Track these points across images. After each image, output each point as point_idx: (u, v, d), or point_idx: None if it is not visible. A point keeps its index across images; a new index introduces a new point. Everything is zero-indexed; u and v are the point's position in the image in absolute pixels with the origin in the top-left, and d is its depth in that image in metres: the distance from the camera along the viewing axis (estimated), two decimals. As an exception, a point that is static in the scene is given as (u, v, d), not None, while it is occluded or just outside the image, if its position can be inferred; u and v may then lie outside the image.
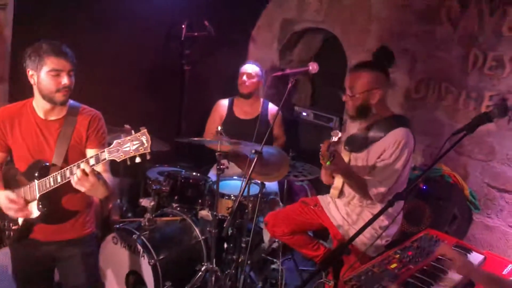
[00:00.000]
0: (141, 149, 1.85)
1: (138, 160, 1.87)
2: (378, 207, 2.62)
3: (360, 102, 2.62)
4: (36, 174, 2.13)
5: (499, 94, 3.18)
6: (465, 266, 1.98)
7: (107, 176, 2.22)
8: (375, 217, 1.74)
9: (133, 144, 1.86)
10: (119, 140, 1.88)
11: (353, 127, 2.85)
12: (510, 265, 2.28)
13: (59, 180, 2.06)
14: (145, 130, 1.86)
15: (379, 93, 2.61)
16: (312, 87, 4.98)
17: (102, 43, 3.53)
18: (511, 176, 3.19)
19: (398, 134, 2.56)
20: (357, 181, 2.61)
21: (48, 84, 2.12)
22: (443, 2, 3.42)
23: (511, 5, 3.06)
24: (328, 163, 2.37)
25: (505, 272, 2.22)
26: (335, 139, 2.33)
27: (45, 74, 2.11)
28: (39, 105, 2.22)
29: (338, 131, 2.35)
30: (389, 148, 2.55)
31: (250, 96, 3.96)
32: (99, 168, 2.04)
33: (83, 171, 1.93)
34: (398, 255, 2.21)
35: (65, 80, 2.12)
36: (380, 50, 2.75)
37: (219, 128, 3.08)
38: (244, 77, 3.91)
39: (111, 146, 1.90)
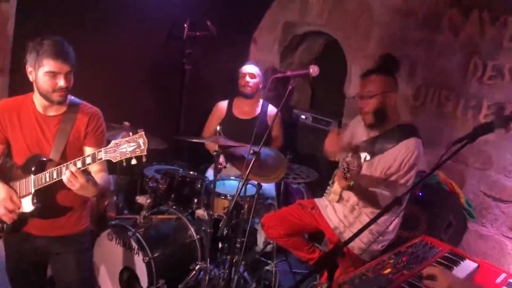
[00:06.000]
0: (137, 151, 1.86)
1: (134, 162, 1.89)
2: (376, 211, 2.63)
3: (378, 104, 2.61)
4: (33, 169, 2.13)
5: (498, 103, 3.19)
6: (455, 283, 1.98)
7: (102, 175, 2.23)
8: (372, 221, 1.75)
9: (130, 146, 1.87)
10: (116, 141, 1.89)
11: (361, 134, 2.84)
12: (503, 274, 2.28)
13: (55, 176, 2.06)
14: (143, 132, 1.88)
15: (394, 97, 2.64)
16: (312, 90, 4.99)
17: (104, 39, 3.53)
18: (507, 185, 3.20)
19: (411, 144, 2.57)
20: (366, 192, 2.60)
21: (45, 84, 2.12)
22: (445, 10, 3.44)
23: (512, 15, 3.08)
24: (352, 183, 2.36)
25: (498, 281, 2.22)
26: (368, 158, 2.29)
27: (42, 74, 2.10)
28: (38, 100, 2.22)
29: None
30: (401, 158, 2.56)
31: (253, 96, 3.97)
32: (95, 166, 2.04)
33: (71, 172, 1.95)
34: (392, 260, 2.21)
35: (61, 82, 2.11)
36: (388, 57, 2.76)
37: (218, 127, 3.08)
38: (247, 78, 3.92)
39: (108, 146, 1.91)
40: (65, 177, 1.97)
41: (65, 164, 2.03)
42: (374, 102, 2.61)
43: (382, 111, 2.63)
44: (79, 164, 1.97)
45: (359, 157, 2.38)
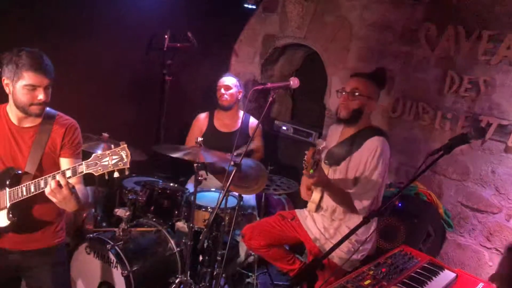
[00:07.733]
0: (120, 164, 1.84)
1: (116, 175, 1.86)
2: (355, 222, 2.65)
3: (358, 105, 2.71)
4: (8, 182, 2.08)
5: (474, 115, 3.26)
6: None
7: (79, 187, 2.18)
8: (350, 233, 1.76)
9: (112, 159, 1.84)
10: (98, 154, 1.86)
11: (331, 142, 2.89)
12: (481, 283, 2.31)
13: (32, 190, 2.01)
14: (125, 145, 1.85)
15: (373, 105, 2.74)
16: (293, 101, 5.02)
17: (83, 50, 3.49)
18: (483, 196, 3.26)
19: (373, 142, 2.64)
20: (339, 193, 2.65)
21: (23, 97, 2.08)
22: (421, 24, 3.51)
23: (486, 29, 3.16)
24: (311, 171, 2.40)
25: (475, 290, 2.25)
26: (319, 147, 2.36)
27: (21, 87, 2.06)
28: (13, 112, 2.18)
29: (322, 140, 2.41)
30: (366, 157, 2.61)
31: (230, 108, 3.97)
32: (73, 179, 2.01)
33: (58, 182, 1.90)
34: (372, 272, 2.22)
35: (41, 96, 2.08)
36: (381, 70, 2.88)
37: (199, 139, 3.07)
38: (222, 90, 3.94)
39: (90, 159, 1.87)
40: (48, 187, 1.92)
41: (43, 177, 1.98)
42: (357, 102, 2.71)
43: (359, 113, 2.73)
44: (68, 173, 1.92)
45: (319, 151, 2.43)
